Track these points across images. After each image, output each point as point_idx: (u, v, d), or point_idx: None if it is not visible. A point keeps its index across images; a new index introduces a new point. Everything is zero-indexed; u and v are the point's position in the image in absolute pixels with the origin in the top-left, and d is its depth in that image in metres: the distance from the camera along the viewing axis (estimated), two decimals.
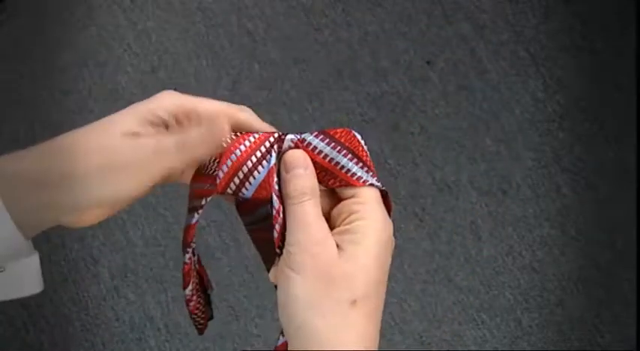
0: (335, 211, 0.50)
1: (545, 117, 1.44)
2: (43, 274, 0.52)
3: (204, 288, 0.57)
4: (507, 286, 1.36)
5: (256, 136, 0.50)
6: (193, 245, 0.54)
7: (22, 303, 1.32)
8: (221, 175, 0.50)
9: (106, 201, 0.48)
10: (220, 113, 0.51)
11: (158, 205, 1.38)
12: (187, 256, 0.54)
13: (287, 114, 1.44)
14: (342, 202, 0.49)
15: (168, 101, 0.50)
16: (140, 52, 1.49)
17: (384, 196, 0.50)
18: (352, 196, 0.49)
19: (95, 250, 1.36)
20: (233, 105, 0.52)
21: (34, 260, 0.50)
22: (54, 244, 1.35)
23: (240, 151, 0.50)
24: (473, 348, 1.33)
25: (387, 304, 0.48)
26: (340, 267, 0.46)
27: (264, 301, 1.33)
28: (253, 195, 0.50)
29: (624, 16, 1.49)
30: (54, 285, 1.33)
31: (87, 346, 1.31)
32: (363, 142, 0.50)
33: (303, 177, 0.49)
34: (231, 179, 0.50)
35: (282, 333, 0.51)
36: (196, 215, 0.51)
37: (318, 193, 0.49)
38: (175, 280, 1.35)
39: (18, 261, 0.49)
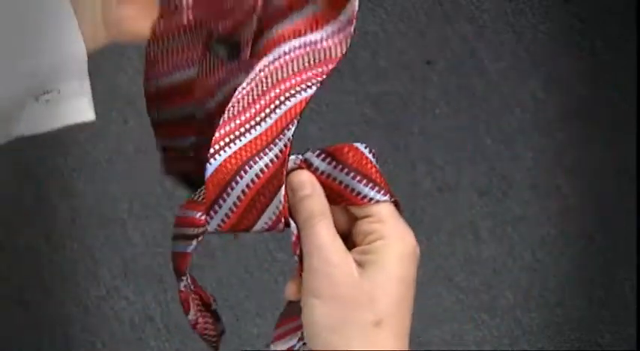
0: (355, 229, 0.48)
1: (545, 117, 1.44)
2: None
3: (207, 306, 0.56)
4: (507, 286, 1.35)
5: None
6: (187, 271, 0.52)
7: (23, 303, 1.32)
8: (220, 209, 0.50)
9: None
10: None
11: (158, 205, 1.37)
12: (182, 284, 0.53)
13: None
14: (359, 221, 0.48)
15: None
16: (140, 52, 1.49)
17: (397, 205, 0.48)
18: (367, 216, 0.47)
19: (95, 250, 1.35)
20: None
21: (86, 85, 0.51)
22: (54, 244, 1.35)
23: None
24: (473, 348, 1.33)
25: None
26: (360, 287, 0.45)
27: (264, 301, 1.33)
28: (266, 227, 0.49)
29: (624, 16, 1.49)
30: (54, 285, 1.33)
31: (87, 346, 1.31)
32: (367, 151, 0.48)
33: (310, 199, 0.48)
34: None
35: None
36: (194, 243, 0.50)
37: (328, 214, 0.47)
38: (175, 281, 1.34)
39: (71, 82, 0.49)
